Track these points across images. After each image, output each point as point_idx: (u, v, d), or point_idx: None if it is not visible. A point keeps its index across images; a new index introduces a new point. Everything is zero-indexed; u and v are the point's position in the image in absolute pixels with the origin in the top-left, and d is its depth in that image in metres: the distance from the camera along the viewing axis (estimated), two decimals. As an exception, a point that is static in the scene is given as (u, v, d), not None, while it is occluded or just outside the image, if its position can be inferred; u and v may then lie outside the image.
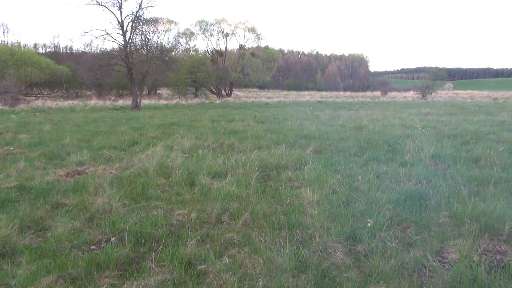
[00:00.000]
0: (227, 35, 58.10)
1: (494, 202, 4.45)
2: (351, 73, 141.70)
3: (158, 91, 56.58)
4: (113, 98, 40.77)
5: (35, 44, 70.08)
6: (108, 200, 4.84)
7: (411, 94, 55.35)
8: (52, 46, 71.32)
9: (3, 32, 69.88)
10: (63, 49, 71.95)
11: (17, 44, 59.31)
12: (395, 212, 4.54)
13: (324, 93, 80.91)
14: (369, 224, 4.10)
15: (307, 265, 3.39)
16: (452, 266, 3.26)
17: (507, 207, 4.27)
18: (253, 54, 60.32)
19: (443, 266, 3.32)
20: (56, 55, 62.50)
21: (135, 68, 27.70)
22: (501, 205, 4.36)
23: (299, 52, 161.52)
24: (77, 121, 15.79)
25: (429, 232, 3.95)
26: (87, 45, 28.92)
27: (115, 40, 27.23)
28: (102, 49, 28.91)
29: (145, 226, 4.09)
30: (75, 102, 34.88)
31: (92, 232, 4.07)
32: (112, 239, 3.88)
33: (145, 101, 35.07)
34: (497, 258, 3.36)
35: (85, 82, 43.56)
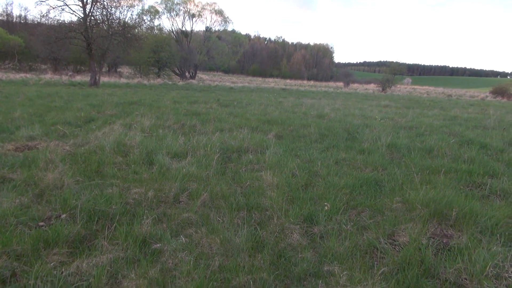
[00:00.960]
0: (193, 16, 56.89)
1: (443, 190, 4.66)
2: (316, 63, 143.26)
3: (119, 69, 54.64)
4: (70, 73, 38.86)
5: (-15, 11, 64.84)
6: (59, 176, 4.62)
7: (372, 87, 56.92)
8: (5, 14, 66.12)
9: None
10: (16, 18, 67.05)
11: (-36, 9, 54.74)
12: (352, 196, 4.66)
13: (288, 81, 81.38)
14: (326, 208, 4.18)
15: (264, 245, 3.41)
16: (402, 248, 3.38)
17: (455, 195, 4.49)
18: (219, 37, 59.52)
19: (394, 248, 3.44)
20: (9, 25, 58.13)
21: (95, 44, 26.46)
22: (450, 192, 4.58)
23: (266, 38, 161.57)
24: (29, 95, 14.92)
25: (382, 216, 4.09)
26: (43, 15, 27.24)
27: (74, 12, 25.83)
28: (60, 21, 27.31)
29: (98, 204, 3.94)
30: (28, 75, 32.98)
31: (41, 209, 3.87)
32: (63, 216, 3.70)
33: (104, 79, 33.78)
34: (444, 241, 3.53)
35: (39, 55, 41.06)
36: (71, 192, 4.25)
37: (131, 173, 5.20)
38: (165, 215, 3.96)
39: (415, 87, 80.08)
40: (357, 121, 11.53)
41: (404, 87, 69.42)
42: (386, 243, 3.48)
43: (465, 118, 14.59)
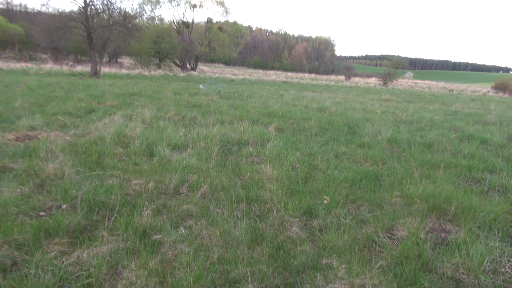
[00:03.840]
0: (194, 6, 56.46)
1: (442, 185, 4.67)
2: (317, 56, 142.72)
3: (119, 60, 54.48)
4: (70, 63, 38.71)
5: (-15, 0, 64.42)
6: (60, 166, 4.63)
7: (373, 81, 56.68)
8: (5, 2, 65.84)
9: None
10: (16, 7, 66.80)
11: (-36, -3, 54.38)
12: (351, 190, 4.68)
13: (289, 73, 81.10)
14: (325, 201, 4.19)
15: (263, 238, 3.43)
16: (400, 242, 3.41)
17: (454, 189, 4.51)
18: (220, 29, 59.09)
19: (392, 242, 3.47)
20: (9, 13, 57.98)
21: (96, 33, 26.34)
22: (449, 187, 4.59)
23: (267, 30, 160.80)
24: (30, 85, 14.87)
25: (381, 210, 4.10)
26: (44, 4, 27.11)
27: (74, 1, 25.69)
28: (60, 10, 27.18)
29: (99, 195, 3.95)
30: (29, 64, 32.90)
31: (42, 199, 3.88)
32: (63, 206, 3.72)
33: (105, 69, 33.66)
34: (442, 236, 3.55)
35: (40, 44, 40.90)
36: (72, 183, 4.26)
37: (131, 164, 5.21)
38: (165, 206, 3.98)
39: (417, 81, 79.72)
40: (358, 115, 11.51)
41: (406, 81, 69.21)
42: (384, 237, 3.50)
43: (466, 113, 14.58)
